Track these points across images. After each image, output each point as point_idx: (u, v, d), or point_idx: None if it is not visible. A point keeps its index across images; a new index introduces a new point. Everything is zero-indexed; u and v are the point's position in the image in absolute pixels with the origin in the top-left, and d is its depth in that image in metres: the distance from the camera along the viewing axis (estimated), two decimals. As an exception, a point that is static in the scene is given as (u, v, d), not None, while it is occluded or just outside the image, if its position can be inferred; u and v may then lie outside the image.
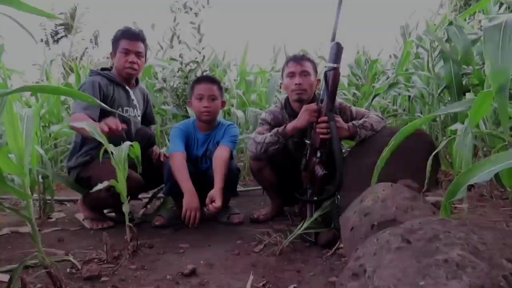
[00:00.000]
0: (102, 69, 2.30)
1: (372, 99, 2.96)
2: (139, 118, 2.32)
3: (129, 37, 2.19)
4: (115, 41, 2.23)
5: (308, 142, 1.83)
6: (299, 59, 2.03)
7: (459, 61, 2.32)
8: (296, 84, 1.99)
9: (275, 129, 1.92)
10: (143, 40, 2.25)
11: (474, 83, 2.55)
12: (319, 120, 1.76)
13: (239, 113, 3.41)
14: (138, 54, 2.21)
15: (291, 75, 2.01)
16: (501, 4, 2.57)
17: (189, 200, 1.95)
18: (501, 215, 1.96)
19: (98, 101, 1.03)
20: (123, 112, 2.20)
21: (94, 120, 1.99)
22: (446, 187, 2.33)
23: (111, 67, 2.29)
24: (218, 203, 1.90)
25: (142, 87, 2.48)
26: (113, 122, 1.89)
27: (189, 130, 2.26)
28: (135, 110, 2.28)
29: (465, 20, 2.41)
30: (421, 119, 1.14)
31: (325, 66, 1.76)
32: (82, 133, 1.98)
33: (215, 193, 1.93)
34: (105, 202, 2.08)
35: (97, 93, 2.08)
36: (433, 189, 1.89)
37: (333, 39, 1.71)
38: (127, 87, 2.25)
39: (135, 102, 2.28)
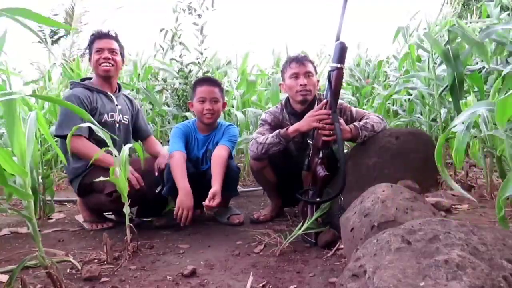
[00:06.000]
0: (83, 79, 2.31)
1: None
2: (126, 121, 2.31)
3: (100, 37, 2.21)
4: (89, 45, 2.24)
5: (311, 142, 1.83)
6: (302, 59, 2.03)
7: (463, 61, 2.32)
8: (301, 85, 1.98)
9: (277, 131, 1.92)
10: (115, 38, 2.25)
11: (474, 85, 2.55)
12: (322, 121, 1.76)
13: (239, 115, 3.40)
14: (111, 51, 2.20)
15: (295, 76, 1.99)
16: (504, 8, 2.57)
17: (182, 198, 1.95)
18: (501, 216, 1.95)
19: (92, 119, 1.05)
20: (108, 118, 2.19)
21: (85, 137, 2.04)
22: (446, 187, 2.34)
23: (92, 77, 2.30)
24: (217, 199, 1.91)
25: (129, 96, 2.49)
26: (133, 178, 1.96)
27: (189, 131, 2.26)
28: (120, 115, 2.27)
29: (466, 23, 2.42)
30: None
31: (330, 66, 1.75)
32: (86, 157, 2.01)
33: (216, 192, 1.93)
34: (106, 206, 2.08)
35: (82, 108, 2.09)
36: (433, 189, 1.89)
37: (337, 39, 1.69)
38: (109, 93, 2.23)
39: (119, 107, 2.26)
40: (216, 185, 1.97)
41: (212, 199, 1.92)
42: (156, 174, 2.18)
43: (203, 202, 1.94)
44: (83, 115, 1.02)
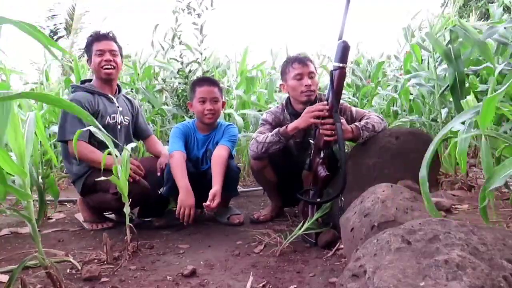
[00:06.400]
0: (83, 81, 2.31)
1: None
2: (126, 123, 2.31)
3: (100, 39, 2.19)
4: (88, 48, 2.22)
5: (312, 141, 1.83)
6: (304, 60, 2.02)
7: (464, 61, 2.32)
8: (306, 85, 1.98)
9: (276, 129, 1.92)
10: (114, 39, 2.24)
11: (475, 84, 2.55)
12: (323, 121, 1.75)
13: (239, 119, 3.39)
14: (112, 53, 2.19)
15: (299, 77, 1.99)
16: (507, 8, 2.55)
17: (184, 197, 1.96)
18: (501, 215, 1.96)
19: (95, 121, 1.04)
20: (110, 120, 2.20)
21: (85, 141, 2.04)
22: (446, 188, 2.34)
23: (92, 79, 2.30)
24: (217, 200, 1.91)
25: (128, 97, 2.49)
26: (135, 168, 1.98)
27: (188, 131, 2.26)
28: (121, 116, 2.27)
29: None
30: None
31: (332, 65, 1.74)
32: (90, 162, 2.05)
33: (216, 192, 1.94)
34: (110, 205, 2.08)
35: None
36: (433, 189, 1.89)
37: (340, 38, 1.67)
38: (109, 95, 2.23)
39: (120, 108, 2.26)
40: (216, 186, 1.97)
41: (212, 200, 1.92)
42: (158, 174, 2.18)
43: (204, 204, 1.94)
44: (85, 117, 1.02)
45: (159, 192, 2.13)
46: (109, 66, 2.18)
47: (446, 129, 1.22)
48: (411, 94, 3.38)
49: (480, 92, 2.46)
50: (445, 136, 1.28)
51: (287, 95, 2.16)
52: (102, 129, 1.19)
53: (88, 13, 15.03)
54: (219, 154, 2.09)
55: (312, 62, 2.06)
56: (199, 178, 2.12)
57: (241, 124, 3.38)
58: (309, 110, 1.79)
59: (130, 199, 1.69)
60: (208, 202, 1.92)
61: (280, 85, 2.16)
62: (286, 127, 1.89)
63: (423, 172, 1.10)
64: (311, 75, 2.00)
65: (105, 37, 2.21)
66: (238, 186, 2.43)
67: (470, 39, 2.20)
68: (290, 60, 2.07)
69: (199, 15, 3.48)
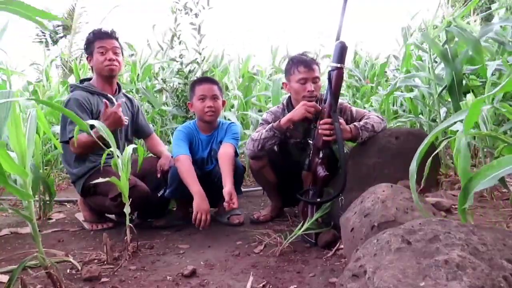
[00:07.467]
0: (82, 80, 2.30)
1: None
2: (126, 122, 2.25)
3: (103, 37, 2.18)
4: (89, 45, 2.20)
5: (311, 141, 1.83)
6: (310, 64, 2.00)
7: (461, 60, 2.32)
8: (309, 91, 1.98)
9: (270, 124, 1.92)
10: (116, 38, 2.23)
11: (474, 84, 2.55)
12: (322, 121, 1.76)
13: (233, 118, 3.37)
14: (115, 51, 2.18)
15: (303, 81, 1.98)
16: (509, 8, 2.54)
17: (199, 202, 1.93)
18: (501, 215, 1.96)
19: (89, 130, 1.02)
20: None
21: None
22: (446, 188, 2.34)
23: (91, 78, 2.29)
24: (235, 198, 1.91)
25: (128, 96, 2.47)
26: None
27: (191, 132, 2.25)
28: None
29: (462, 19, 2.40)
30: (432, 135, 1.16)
31: (330, 66, 1.74)
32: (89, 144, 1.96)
33: (231, 191, 1.92)
34: (110, 210, 2.08)
35: (84, 112, 2.07)
36: (433, 189, 1.89)
37: (337, 38, 1.68)
38: (109, 95, 2.20)
39: (120, 108, 2.25)
40: (228, 185, 1.94)
41: (230, 199, 1.90)
42: (159, 175, 2.17)
43: (225, 204, 1.91)
44: (82, 126, 1.02)
45: (159, 195, 2.12)
46: (112, 65, 2.16)
47: (440, 127, 1.22)
48: (412, 92, 3.38)
49: (480, 91, 2.45)
50: (437, 135, 1.27)
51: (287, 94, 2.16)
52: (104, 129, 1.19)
53: (87, 13, 15.02)
54: (225, 152, 2.08)
55: (317, 65, 2.04)
56: (204, 178, 2.11)
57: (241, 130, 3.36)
58: (306, 104, 1.83)
59: (130, 201, 1.69)
60: (225, 203, 1.90)
61: (283, 83, 2.16)
62: (280, 120, 1.89)
63: (413, 165, 1.10)
64: (315, 80, 1.99)
65: (108, 35, 2.19)
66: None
67: (464, 38, 2.18)
68: (296, 61, 2.03)
69: (196, 15, 3.47)
